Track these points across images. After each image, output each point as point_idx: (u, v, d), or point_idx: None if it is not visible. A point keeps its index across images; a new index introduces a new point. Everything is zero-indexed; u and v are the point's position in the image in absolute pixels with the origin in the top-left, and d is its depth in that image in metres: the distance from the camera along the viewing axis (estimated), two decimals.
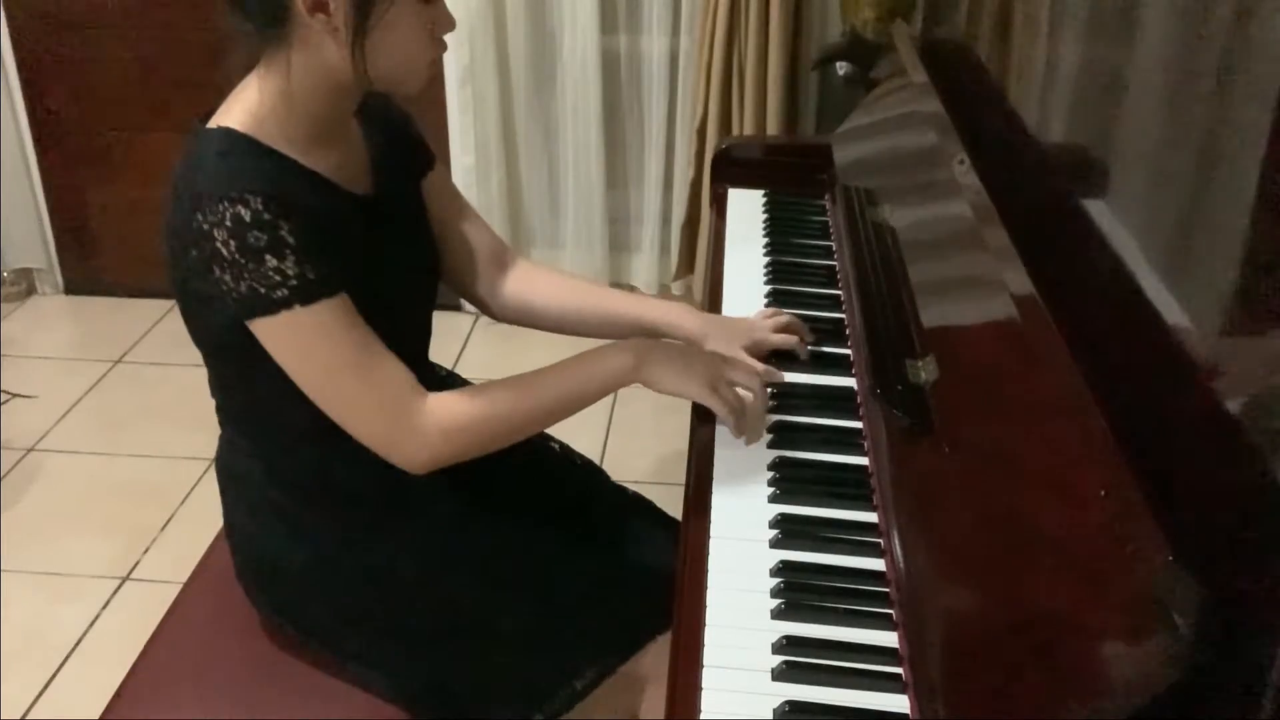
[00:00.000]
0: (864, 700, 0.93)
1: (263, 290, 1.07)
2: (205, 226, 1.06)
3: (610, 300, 1.46)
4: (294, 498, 1.28)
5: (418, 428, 1.15)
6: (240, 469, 1.31)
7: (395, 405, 1.15)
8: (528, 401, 1.21)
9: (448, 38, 1.18)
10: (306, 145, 1.16)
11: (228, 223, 1.05)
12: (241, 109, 1.14)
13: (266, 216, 1.06)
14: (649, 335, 1.40)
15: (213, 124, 1.14)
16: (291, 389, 1.17)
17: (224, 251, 1.06)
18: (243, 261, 1.06)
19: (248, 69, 1.17)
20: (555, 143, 2.88)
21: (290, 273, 1.07)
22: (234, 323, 1.11)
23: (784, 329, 1.41)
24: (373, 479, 1.24)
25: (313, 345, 1.11)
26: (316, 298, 1.09)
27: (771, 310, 1.46)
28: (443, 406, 1.17)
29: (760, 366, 1.31)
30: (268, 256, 1.06)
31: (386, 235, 1.26)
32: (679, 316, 1.41)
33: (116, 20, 2.84)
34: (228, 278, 1.07)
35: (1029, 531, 0.86)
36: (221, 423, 1.33)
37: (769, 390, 1.29)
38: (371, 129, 1.28)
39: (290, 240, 1.07)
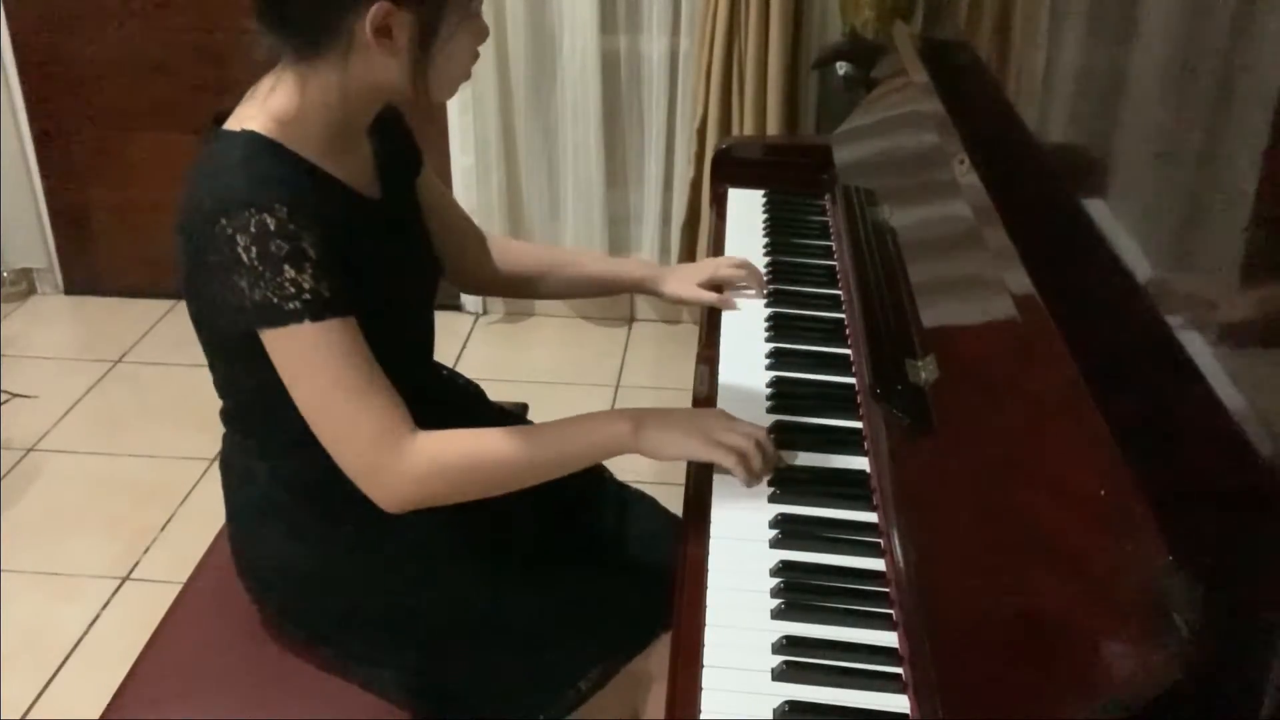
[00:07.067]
0: (864, 700, 0.93)
1: (275, 300, 1.07)
2: (229, 232, 1.06)
3: (578, 260, 1.63)
4: (298, 498, 1.28)
5: (402, 463, 1.13)
6: (245, 469, 1.31)
7: (384, 436, 1.13)
8: (517, 456, 1.17)
9: None
10: (327, 152, 1.17)
11: (252, 229, 1.06)
12: (265, 114, 1.14)
13: (291, 227, 1.07)
14: (611, 290, 1.65)
15: (233, 126, 1.14)
16: None
17: (244, 258, 1.06)
18: (260, 269, 1.07)
19: (264, 72, 1.16)
20: (555, 143, 2.88)
21: (305, 286, 1.08)
22: (244, 330, 1.11)
23: (741, 266, 1.56)
24: None
25: (314, 362, 1.11)
26: (326, 315, 1.09)
27: (731, 257, 1.61)
28: (430, 446, 1.14)
29: (756, 427, 1.23)
30: (286, 266, 1.07)
31: (396, 238, 1.28)
32: (634, 267, 1.69)
33: (117, 21, 2.84)
34: (244, 284, 1.07)
35: (1029, 531, 0.86)
36: (226, 423, 1.33)
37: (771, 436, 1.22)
38: (372, 132, 1.28)
39: (310, 254, 1.08)
